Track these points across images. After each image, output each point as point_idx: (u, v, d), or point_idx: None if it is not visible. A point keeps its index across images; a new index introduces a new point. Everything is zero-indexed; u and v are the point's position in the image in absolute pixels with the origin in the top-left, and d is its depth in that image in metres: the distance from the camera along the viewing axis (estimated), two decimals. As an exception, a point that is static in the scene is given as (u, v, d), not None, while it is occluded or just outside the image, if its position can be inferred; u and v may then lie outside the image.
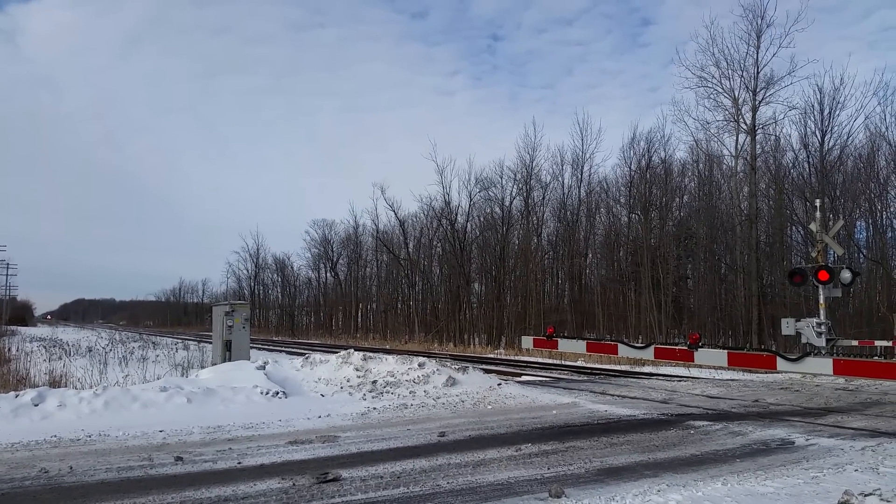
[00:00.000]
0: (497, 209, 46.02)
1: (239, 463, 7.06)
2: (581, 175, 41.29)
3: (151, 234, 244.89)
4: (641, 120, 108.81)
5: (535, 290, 42.22)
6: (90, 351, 26.83)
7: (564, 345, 12.71)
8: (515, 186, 44.22)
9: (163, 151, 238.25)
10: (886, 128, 29.43)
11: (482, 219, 48.22)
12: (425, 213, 52.47)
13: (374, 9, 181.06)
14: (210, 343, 22.36)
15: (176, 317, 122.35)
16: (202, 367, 16.46)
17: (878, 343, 15.09)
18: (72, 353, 26.21)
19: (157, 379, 13.31)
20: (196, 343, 35.95)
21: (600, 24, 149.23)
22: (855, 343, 14.56)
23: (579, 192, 41.58)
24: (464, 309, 48.01)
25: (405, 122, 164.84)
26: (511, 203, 44.79)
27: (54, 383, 13.98)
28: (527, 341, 14.11)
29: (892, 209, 29.97)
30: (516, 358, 28.74)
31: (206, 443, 8.21)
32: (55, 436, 8.40)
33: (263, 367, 13.30)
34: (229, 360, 16.48)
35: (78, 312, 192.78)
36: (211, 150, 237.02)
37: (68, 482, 6.24)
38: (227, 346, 17.25)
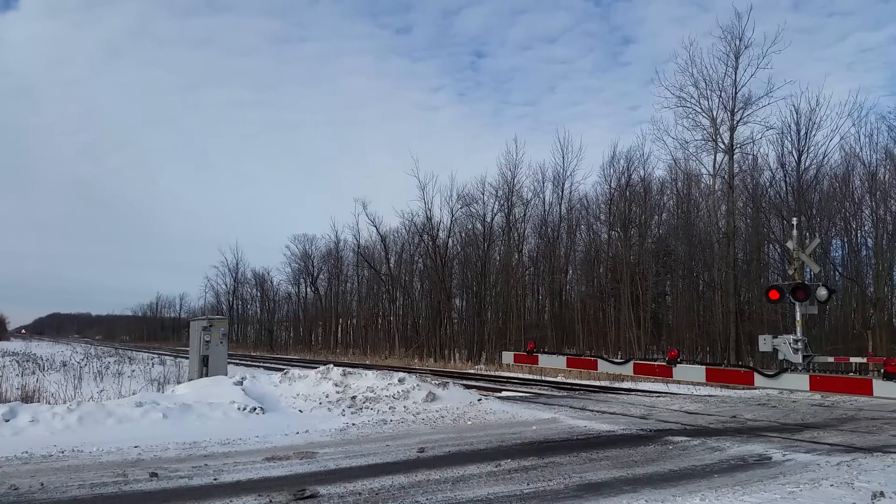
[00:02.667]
0: (478, 225, 46.25)
1: (215, 479, 6.97)
2: (562, 192, 41.64)
3: (129, 247, 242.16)
4: (622, 138, 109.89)
5: (515, 305, 42.33)
6: (65, 365, 26.38)
7: (545, 360, 12.74)
8: (497, 203, 44.51)
9: (142, 165, 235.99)
10: (861, 148, 30.11)
11: (463, 235, 48.41)
12: (407, 228, 52.59)
13: (357, 24, 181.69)
14: (187, 358, 22.09)
15: (153, 332, 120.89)
16: (179, 383, 16.25)
17: (853, 360, 15.33)
18: (46, 368, 25.74)
19: (133, 394, 13.11)
20: (173, 358, 35.49)
21: (582, 42, 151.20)
22: (831, 360, 14.74)
23: (560, 209, 41.91)
24: (444, 324, 47.93)
25: (388, 137, 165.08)
26: (492, 219, 45.04)
27: (27, 398, 13.71)
28: (507, 356, 14.13)
29: (866, 228, 30.57)
30: (497, 373, 28.72)
31: (181, 459, 8.08)
32: (26, 452, 8.21)
33: (241, 383, 13.14)
34: (206, 375, 16.26)
35: (53, 327, 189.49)
36: (191, 164, 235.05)
37: (39, 499, 6.10)
38: (205, 361, 17.02)
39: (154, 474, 7.09)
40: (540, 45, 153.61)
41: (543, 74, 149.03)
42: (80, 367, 24.69)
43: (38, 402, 13.13)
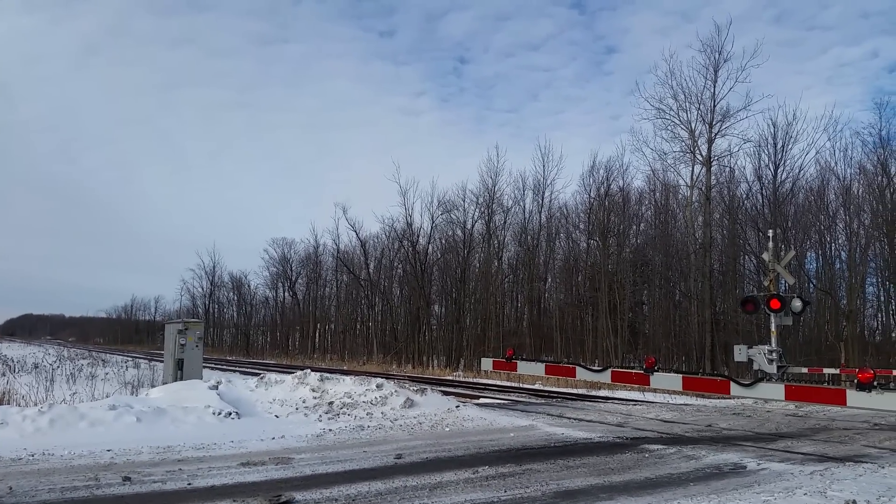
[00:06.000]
0: (459, 232, 46.33)
1: (189, 484, 6.87)
2: (542, 200, 41.82)
3: (104, 248, 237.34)
4: (603, 147, 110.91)
5: (494, 312, 42.37)
6: (36, 367, 25.98)
7: (524, 367, 12.73)
8: (477, 210, 44.63)
9: (119, 165, 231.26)
10: (836, 163, 30.65)
11: (444, 241, 48.46)
12: (387, 234, 52.52)
13: (340, 26, 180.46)
14: (162, 362, 21.83)
15: (127, 334, 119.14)
16: (153, 386, 16.06)
17: (826, 371, 15.55)
18: (17, 370, 25.34)
19: (106, 397, 12.93)
20: (147, 361, 35.09)
21: (566, 50, 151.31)
22: (805, 370, 14.95)
23: (540, 217, 42.09)
24: (423, 331, 47.87)
25: (369, 141, 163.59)
26: (473, 226, 45.13)
27: (-4, 400, 13.47)
28: (486, 363, 14.11)
29: (840, 241, 31.07)
30: (475, 380, 28.71)
31: (155, 463, 7.97)
32: (-5, 455, 8.06)
33: (216, 387, 13.02)
34: (181, 379, 16.07)
35: (25, 328, 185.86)
36: (169, 165, 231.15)
37: (7, 503, 5.99)
38: (179, 364, 16.82)
39: (127, 478, 6.98)
40: (523, 53, 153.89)
41: (526, 82, 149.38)
42: (53, 369, 24.33)
43: (8, 404, 12.92)
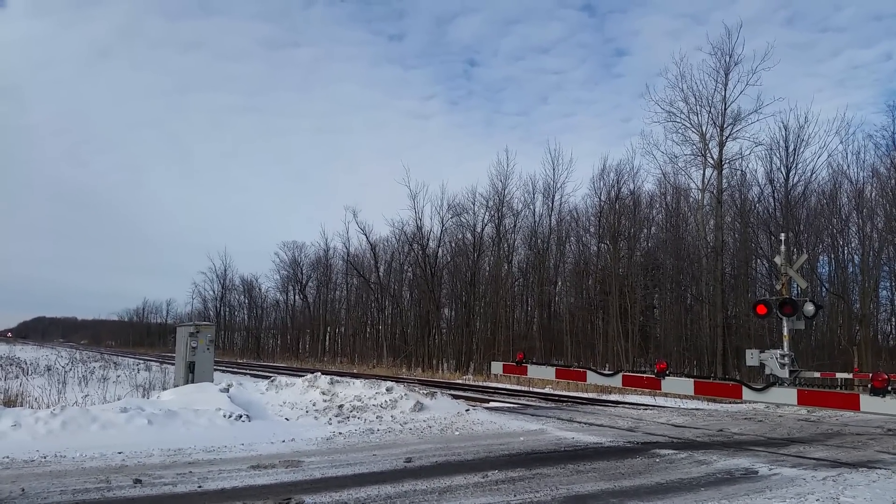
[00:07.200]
0: (468, 235, 46.35)
1: (199, 487, 6.90)
2: (552, 204, 41.78)
3: (116, 252, 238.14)
4: (613, 150, 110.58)
5: (504, 316, 42.33)
6: (49, 370, 26.17)
7: (534, 371, 12.72)
8: (487, 213, 44.64)
9: (129, 168, 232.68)
10: (848, 166, 30.44)
11: (453, 244, 48.46)
12: (397, 237, 52.66)
13: (350, 30, 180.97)
14: (173, 364, 21.93)
15: (139, 337, 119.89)
16: (164, 389, 16.11)
17: (839, 375, 15.37)
18: (29, 372, 25.53)
19: (118, 400, 12.99)
20: (158, 364, 35.27)
21: (576, 53, 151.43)
22: (817, 375, 14.78)
23: (550, 220, 42.03)
24: (433, 334, 47.87)
25: (379, 144, 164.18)
26: (483, 230, 45.12)
27: (9, 402, 13.57)
28: (496, 366, 14.12)
29: (853, 245, 30.83)
30: (485, 384, 28.67)
31: (166, 465, 8.01)
32: (8, 457, 8.11)
33: (227, 390, 13.05)
34: (192, 381, 16.14)
35: (38, 331, 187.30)
36: (179, 168, 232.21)
37: (20, 505, 6.03)
38: (191, 367, 16.89)
39: (138, 481, 7.01)
40: (533, 56, 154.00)
41: (536, 85, 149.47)
42: (65, 371, 24.51)
43: (21, 406, 13.00)
